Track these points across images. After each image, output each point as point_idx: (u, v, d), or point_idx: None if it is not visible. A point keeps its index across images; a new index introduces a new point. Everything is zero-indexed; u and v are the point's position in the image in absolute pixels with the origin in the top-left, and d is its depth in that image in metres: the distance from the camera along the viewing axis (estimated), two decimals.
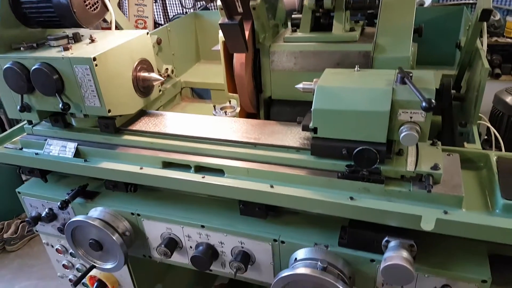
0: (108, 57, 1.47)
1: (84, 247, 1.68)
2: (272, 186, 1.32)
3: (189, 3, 4.31)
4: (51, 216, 1.78)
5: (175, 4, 4.45)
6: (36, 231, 1.93)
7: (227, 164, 1.43)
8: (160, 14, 4.58)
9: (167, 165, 1.52)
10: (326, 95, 1.26)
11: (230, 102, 2.19)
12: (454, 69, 2.15)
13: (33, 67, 1.47)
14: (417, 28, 1.63)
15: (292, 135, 1.48)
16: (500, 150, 2.75)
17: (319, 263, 1.21)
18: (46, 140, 1.71)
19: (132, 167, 1.50)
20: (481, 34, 1.80)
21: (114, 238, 1.55)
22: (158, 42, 2.41)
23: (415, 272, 1.14)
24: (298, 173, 1.35)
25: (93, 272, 1.86)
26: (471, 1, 3.59)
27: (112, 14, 1.67)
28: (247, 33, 1.53)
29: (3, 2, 1.53)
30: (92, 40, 1.57)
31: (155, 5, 4.44)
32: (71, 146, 1.64)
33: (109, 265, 1.67)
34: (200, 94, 2.84)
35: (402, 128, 1.18)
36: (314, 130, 1.29)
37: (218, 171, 1.45)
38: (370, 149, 1.22)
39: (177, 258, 1.62)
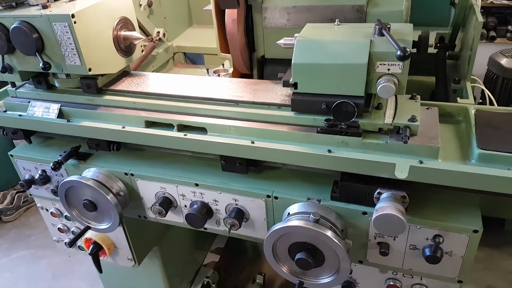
0: (87, 15, 1.45)
1: (78, 208, 1.68)
2: (253, 142, 1.33)
3: None
4: (45, 178, 1.78)
5: None
6: (31, 194, 1.93)
7: (209, 122, 1.44)
8: None
9: (150, 124, 1.52)
10: (306, 49, 1.26)
11: (223, 65, 2.18)
12: (448, 29, 2.13)
13: (12, 26, 1.45)
14: None
15: (274, 92, 1.48)
16: None
17: (311, 216, 1.23)
18: (29, 102, 1.70)
19: (114, 126, 1.50)
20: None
21: (108, 198, 1.55)
22: (149, 4, 2.37)
23: (406, 222, 1.16)
24: (279, 129, 1.36)
25: (89, 235, 1.88)
26: None
27: None
28: None
29: None
30: None
31: None
32: (55, 107, 1.64)
33: (104, 226, 1.68)
34: (193, 59, 2.82)
35: (379, 80, 1.19)
36: (294, 85, 1.30)
37: (201, 129, 1.46)
38: (348, 102, 1.23)
39: (172, 217, 1.64)
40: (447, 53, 1.96)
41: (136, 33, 1.65)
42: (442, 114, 1.41)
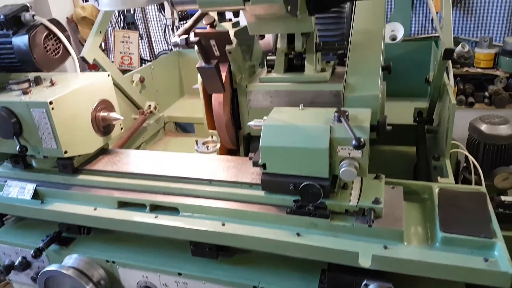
0: (66, 100, 1.52)
1: None
2: (223, 224, 1.35)
3: None
4: (25, 265, 1.73)
5: (161, 41, 4.59)
6: (10, 280, 1.86)
7: (181, 202, 1.46)
8: (146, 50, 4.70)
9: (123, 205, 1.53)
10: (272, 132, 1.32)
11: (212, 136, 2.25)
12: (427, 101, 2.26)
13: None
14: (386, 66, 1.73)
15: (248, 171, 1.52)
16: (479, 176, 2.86)
17: None
18: (6, 181, 1.71)
19: (86, 208, 1.51)
20: (447, 70, 1.92)
21: None
22: (141, 80, 2.48)
23: None
24: (251, 209, 1.39)
25: None
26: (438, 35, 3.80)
27: (75, 58, 1.73)
28: (224, 75, 1.60)
29: None
30: (52, 84, 1.62)
31: (141, 42, 4.56)
32: (30, 188, 1.65)
33: None
34: (184, 127, 2.90)
35: (341, 163, 1.25)
36: (264, 166, 1.34)
37: (173, 209, 1.47)
38: (314, 184, 1.27)
39: None
40: (426, 127, 2.08)
41: (115, 114, 1.71)
42: (408, 192, 1.45)
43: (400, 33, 3.59)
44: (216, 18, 1.53)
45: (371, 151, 2.25)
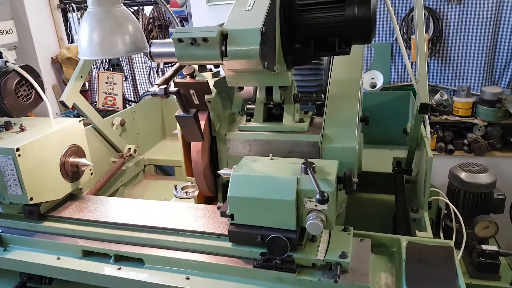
0: (33, 146, 1.50)
1: None
2: (188, 278, 1.31)
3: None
4: None
5: (145, 82, 4.65)
6: None
7: (146, 253, 1.42)
8: (130, 91, 4.75)
9: (87, 254, 1.49)
10: (240, 183, 1.31)
11: (192, 182, 2.22)
12: (406, 151, 2.28)
13: None
14: (364, 117, 1.75)
15: (218, 221, 1.50)
16: (460, 224, 2.85)
17: None
18: None
19: (48, 258, 1.46)
20: (425, 122, 1.95)
21: None
22: (122, 124, 2.48)
23: None
24: (217, 262, 1.35)
25: None
26: None
27: (48, 104, 1.73)
28: (203, 123, 1.61)
29: None
30: (22, 129, 1.61)
31: (126, 83, 4.61)
32: None
33: None
34: (164, 170, 2.86)
35: (308, 216, 1.23)
36: (231, 216, 1.32)
37: (139, 260, 1.43)
38: (280, 237, 1.25)
39: None
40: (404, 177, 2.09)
41: (84, 160, 1.70)
42: (377, 244, 1.43)
43: (379, 81, 3.70)
44: (196, 68, 1.56)
45: (350, 199, 2.26)
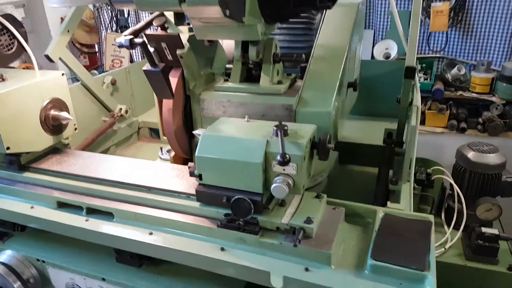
0: (11, 96, 1.49)
1: None
2: (151, 233, 1.29)
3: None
4: None
5: None
6: None
7: (116, 208, 1.41)
8: (138, 54, 4.71)
9: (62, 205, 1.49)
10: (209, 143, 1.27)
11: None
12: None
13: None
14: (352, 82, 1.66)
15: (190, 180, 1.47)
16: (461, 205, 2.74)
17: None
18: None
19: (22, 206, 1.47)
20: (415, 90, 1.85)
21: (15, 286, 1.48)
22: (113, 83, 2.46)
23: None
24: (183, 220, 1.33)
25: None
26: (438, 55, 3.71)
27: (31, 54, 1.71)
28: (176, 80, 1.56)
29: None
30: (3, 79, 1.60)
31: None
32: None
33: None
34: (159, 133, 2.85)
35: (275, 179, 1.18)
36: (199, 176, 1.29)
37: (109, 214, 1.42)
38: (244, 198, 1.21)
39: None
40: (395, 149, 1.99)
41: (65, 114, 1.68)
42: (352, 214, 1.38)
43: (393, 51, 3.52)
44: (171, 20, 1.49)
45: (339, 170, 2.18)
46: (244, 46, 1.52)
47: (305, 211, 1.27)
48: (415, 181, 3.02)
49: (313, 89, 1.45)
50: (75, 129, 1.82)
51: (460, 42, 3.59)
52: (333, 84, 1.43)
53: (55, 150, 1.78)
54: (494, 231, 2.67)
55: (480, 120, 3.47)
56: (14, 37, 1.63)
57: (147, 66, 1.44)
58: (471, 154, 2.90)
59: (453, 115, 3.53)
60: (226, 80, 1.64)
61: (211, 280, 1.35)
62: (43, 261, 1.52)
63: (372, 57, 3.69)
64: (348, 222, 1.37)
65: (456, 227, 2.86)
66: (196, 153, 1.27)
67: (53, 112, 1.66)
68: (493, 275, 2.57)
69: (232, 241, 1.25)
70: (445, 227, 2.94)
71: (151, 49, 1.47)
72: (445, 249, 2.67)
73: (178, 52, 1.47)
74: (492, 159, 2.83)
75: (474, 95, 3.42)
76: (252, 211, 1.21)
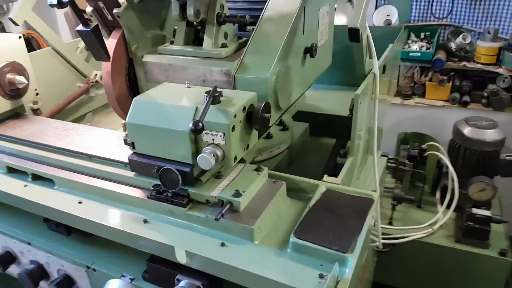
0: None
1: None
2: (80, 202, 1.27)
3: None
4: None
5: None
6: None
7: (56, 175, 1.39)
8: None
9: (11, 170, 1.49)
10: (140, 109, 1.22)
11: None
12: None
13: None
14: (308, 47, 1.55)
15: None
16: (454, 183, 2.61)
17: None
18: None
19: None
20: (370, 55, 1.71)
21: None
22: (86, 48, 2.41)
23: None
24: (117, 190, 1.30)
25: None
26: (442, 23, 3.48)
27: None
28: (115, 41, 1.49)
29: None
30: None
31: None
32: None
33: None
34: None
35: (204, 149, 1.12)
36: (132, 145, 1.24)
37: (50, 180, 1.41)
38: (172, 169, 1.16)
39: (15, 272, 1.54)
40: None
41: (21, 78, 1.65)
42: (296, 189, 1.31)
43: (394, 18, 3.31)
44: None
45: (310, 143, 2.09)
46: (183, 4, 1.41)
47: (239, 184, 1.20)
48: (407, 156, 2.91)
49: (255, 53, 1.35)
50: (37, 94, 1.80)
51: (467, 7, 3.32)
52: (275, 48, 1.32)
53: (16, 115, 1.77)
54: (486, 212, 2.53)
55: (484, 93, 3.26)
56: None
57: (80, 27, 1.38)
58: (467, 130, 2.72)
59: (456, 88, 3.31)
60: (172, 42, 1.55)
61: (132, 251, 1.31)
62: None
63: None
64: (291, 197, 1.31)
65: (450, 208, 2.75)
66: (127, 120, 1.22)
67: (8, 76, 1.64)
68: (483, 259, 2.44)
69: (162, 213, 1.21)
70: (438, 206, 2.84)
71: (89, 9, 1.40)
72: (433, 229, 2.57)
73: (115, 11, 1.39)
74: (490, 135, 2.65)
75: (479, 66, 3.18)
76: (180, 182, 1.16)
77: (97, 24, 1.35)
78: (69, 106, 2.19)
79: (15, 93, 1.69)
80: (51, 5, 1.27)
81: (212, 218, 1.13)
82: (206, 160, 1.10)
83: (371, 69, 1.62)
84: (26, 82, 1.66)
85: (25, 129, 1.63)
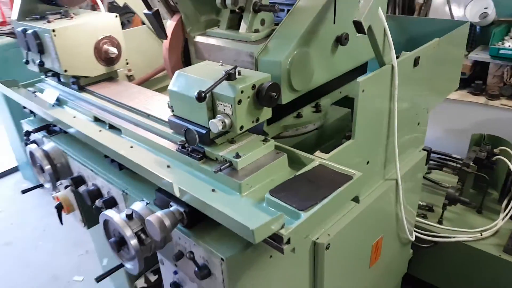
0: (67, 30, 1.98)
1: None
2: (131, 147, 1.67)
3: None
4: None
5: None
6: None
7: (124, 126, 1.81)
8: None
9: (95, 119, 1.97)
10: (178, 80, 1.54)
11: None
12: None
13: (27, 32, 2.07)
14: (339, 36, 1.68)
15: None
16: None
17: (125, 212, 1.49)
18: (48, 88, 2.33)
19: (68, 116, 1.99)
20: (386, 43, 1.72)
21: (46, 168, 2.05)
22: None
23: (161, 232, 1.33)
24: (158, 142, 1.65)
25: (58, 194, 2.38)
26: None
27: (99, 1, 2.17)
28: (174, 23, 1.84)
29: None
30: (71, 17, 2.10)
31: None
32: (55, 95, 2.21)
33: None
34: None
35: (217, 116, 1.41)
36: (172, 108, 1.59)
37: (119, 130, 1.84)
38: (191, 130, 1.47)
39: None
40: None
41: (113, 49, 2.12)
42: (297, 161, 1.51)
43: (491, 11, 3.07)
44: None
45: (341, 127, 2.17)
46: None
47: (244, 149, 1.45)
48: (474, 159, 2.77)
49: (278, 38, 1.54)
50: (127, 63, 2.26)
51: None
52: (295, 35, 1.49)
53: (110, 78, 2.26)
54: None
55: None
56: None
57: (145, 10, 1.74)
58: None
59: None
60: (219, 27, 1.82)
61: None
62: (68, 154, 2.05)
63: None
64: (292, 168, 1.51)
65: None
66: (168, 87, 1.55)
67: (105, 47, 2.12)
68: None
69: (183, 163, 1.54)
70: (501, 214, 2.68)
71: None
72: (481, 235, 2.47)
73: None
74: None
75: None
76: (197, 141, 1.47)
77: (158, 9, 1.70)
78: (156, 76, 2.64)
79: (109, 61, 2.17)
80: None
81: (212, 171, 1.42)
82: (214, 125, 1.38)
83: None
84: (116, 52, 2.12)
85: (112, 89, 2.11)
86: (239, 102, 1.37)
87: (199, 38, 1.80)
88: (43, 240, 4.13)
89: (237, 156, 1.41)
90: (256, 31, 1.66)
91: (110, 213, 1.49)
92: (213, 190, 1.35)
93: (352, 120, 1.59)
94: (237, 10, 1.70)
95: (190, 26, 1.85)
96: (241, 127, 1.42)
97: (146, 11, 1.77)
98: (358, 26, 1.38)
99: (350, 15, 1.65)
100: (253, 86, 1.40)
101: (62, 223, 2.37)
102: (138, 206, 1.50)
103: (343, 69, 1.81)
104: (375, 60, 1.69)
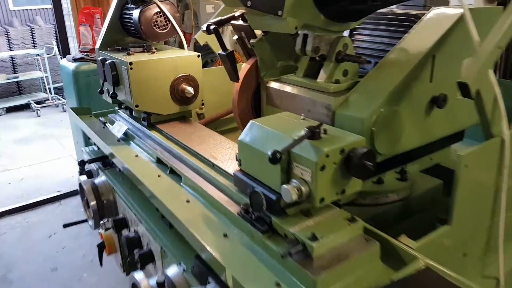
0: (145, 65, 1.86)
1: None
2: (188, 201, 1.42)
3: None
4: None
5: None
6: None
7: (185, 173, 1.59)
8: None
9: (158, 160, 1.78)
10: (252, 131, 1.28)
11: None
12: None
13: (106, 62, 1.99)
14: (436, 96, 1.37)
15: None
16: None
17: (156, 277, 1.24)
18: (119, 120, 2.23)
19: (127, 154, 1.83)
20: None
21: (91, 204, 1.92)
22: None
23: None
24: (219, 199, 1.39)
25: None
26: None
27: (181, 36, 2.06)
28: (248, 66, 1.67)
29: (115, 14, 2.12)
30: (153, 52, 1.99)
31: None
32: (124, 128, 2.09)
33: None
34: None
35: (291, 181, 1.11)
36: (239, 162, 1.32)
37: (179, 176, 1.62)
38: (259, 192, 1.18)
39: None
40: None
41: (190, 88, 1.96)
42: (391, 253, 1.13)
43: None
44: None
45: (432, 200, 1.73)
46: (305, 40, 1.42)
47: (322, 228, 1.12)
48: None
49: (361, 92, 1.26)
50: (202, 104, 2.09)
51: None
52: (385, 88, 1.20)
53: (182, 118, 2.09)
54: None
55: None
56: (169, 20, 1.99)
57: (220, 51, 1.58)
58: None
59: None
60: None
61: None
62: (116, 191, 1.87)
63: None
64: (384, 262, 1.13)
65: None
66: (239, 138, 1.30)
67: (182, 85, 1.97)
68: None
69: (244, 232, 1.24)
70: None
71: (235, 37, 1.58)
72: None
73: (251, 41, 1.54)
74: None
75: None
76: (264, 207, 1.17)
77: (232, 51, 1.55)
78: (225, 117, 2.44)
79: (184, 100, 2.01)
80: (202, 31, 1.50)
81: (277, 253, 1.09)
82: (287, 192, 1.08)
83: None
84: (193, 92, 1.95)
85: (181, 130, 1.92)
86: (322, 168, 1.06)
87: (273, 84, 1.58)
88: (89, 272, 4.01)
89: (314, 237, 1.07)
90: (337, 82, 1.38)
91: (139, 276, 1.23)
92: (277, 285, 1.01)
93: (446, 196, 1.27)
94: (317, 58, 1.45)
95: (265, 71, 1.67)
96: (322, 200, 1.10)
97: (221, 52, 1.62)
98: (464, 89, 1.05)
99: (450, 74, 1.34)
100: (342, 150, 1.09)
101: (101, 265, 2.17)
102: (173, 271, 1.23)
103: (438, 134, 1.46)
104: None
